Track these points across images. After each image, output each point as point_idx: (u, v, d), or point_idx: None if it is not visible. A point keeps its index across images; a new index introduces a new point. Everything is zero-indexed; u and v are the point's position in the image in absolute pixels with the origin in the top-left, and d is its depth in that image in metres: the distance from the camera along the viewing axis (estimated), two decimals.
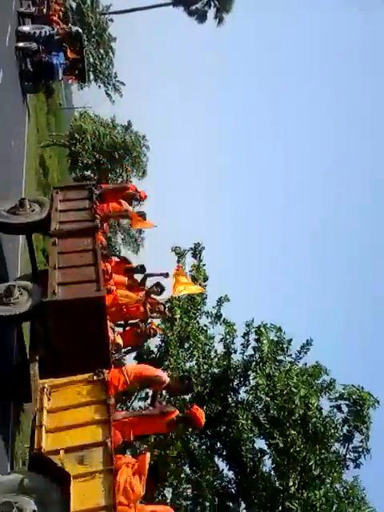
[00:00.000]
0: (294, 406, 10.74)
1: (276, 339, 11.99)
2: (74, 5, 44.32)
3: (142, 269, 11.00)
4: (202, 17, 54.06)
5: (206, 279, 13.53)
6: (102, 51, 45.33)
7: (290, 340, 12.00)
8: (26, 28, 21.29)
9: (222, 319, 12.89)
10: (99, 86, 46.69)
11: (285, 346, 12.12)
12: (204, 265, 13.53)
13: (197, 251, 13.41)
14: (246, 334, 12.13)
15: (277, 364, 11.93)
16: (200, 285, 13.28)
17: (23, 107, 23.17)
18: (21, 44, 20.17)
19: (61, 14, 26.33)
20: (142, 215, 11.41)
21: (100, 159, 28.07)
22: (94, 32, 44.40)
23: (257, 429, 11.21)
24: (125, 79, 47.50)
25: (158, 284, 10.66)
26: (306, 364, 12.06)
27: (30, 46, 20.17)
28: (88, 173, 26.39)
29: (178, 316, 12.88)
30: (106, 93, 46.12)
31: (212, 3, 53.11)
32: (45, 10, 24.31)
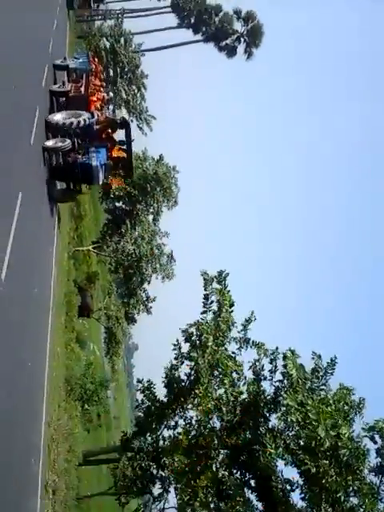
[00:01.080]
0: (322, 437, 10.53)
1: (308, 369, 11.82)
2: (107, 44, 45.99)
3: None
4: (231, 52, 55.44)
5: (231, 305, 13.51)
6: (134, 87, 46.72)
7: (315, 368, 11.83)
8: (57, 117, 16.98)
9: (250, 342, 12.83)
10: (131, 120, 48.03)
11: (321, 373, 11.93)
12: (229, 291, 13.54)
13: (221, 278, 13.43)
14: (272, 360, 12.04)
15: (308, 393, 11.74)
16: (226, 311, 13.33)
17: None
18: (50, 143, 16.21)
19: (102, 91, 21.49)
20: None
21: (131, 191, 28.60)
22: (126, 69, 45.90)
23: (288, 456, 11.01)
24: (156, 112, 48.66)
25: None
26: (325, 389, 11.82)
27: (63, 145, 16.25)
28: None
29: (210, 343, 12.87)
30: (138, 126, 47.32)
31: (242, 39, 54.49)
32: (82, 88, 19.47)
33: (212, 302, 13.77)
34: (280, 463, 11.36)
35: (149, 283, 29.67)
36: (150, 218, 30.30)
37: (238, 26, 54.68)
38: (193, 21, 58.33)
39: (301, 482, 11.14)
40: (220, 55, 56.00)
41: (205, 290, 13.52)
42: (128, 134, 19.44)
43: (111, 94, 43.96)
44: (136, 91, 47.01)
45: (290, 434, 11.50)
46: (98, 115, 18.12)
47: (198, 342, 13.19)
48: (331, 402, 11.15)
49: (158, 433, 13.54)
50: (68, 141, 16.51)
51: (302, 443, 11.04)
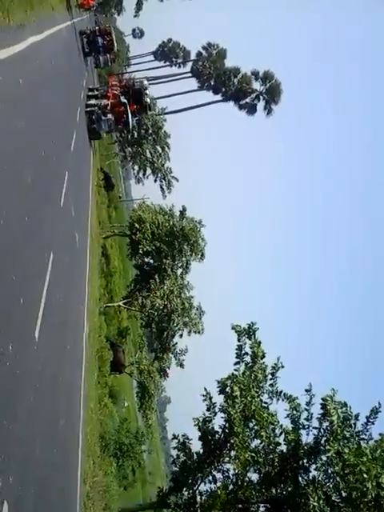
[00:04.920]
0: (366, 487, 10.15)
1: (342, 415, 11.56)
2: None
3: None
4: (251, 109, 57.29)
5: (263, 357, 13.42)
6: (158, 148, 48.47)
7: (357, 415, 11.53)
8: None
9: (282, 394, 12.63)
10: (155, 180, 49.61)
11: (352, 422, 11.64)
12: (260, 343, 13.47)
13: (251, 331, 13.40)
14: (308, 403, 11.79)
15: (345, 441, 11.42)
16: (259, 362, 13.23)
17: (87, 205, 24.87)
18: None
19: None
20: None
21: (160, 246, 29.14)
22: (150, 131, 47.83)
23: (329, 509, 10.58)
24: (180, 169, 50.19)
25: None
26: (366, 437, 11.45)
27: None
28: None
29: (237, 393, 12.75)
30: (161, 187, 48.82)
31: (261, 97, 56.40)
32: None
33: (245, 353, 13.70)
34: None
35: (181, 337, 29.70)
36: (179, 272, 30.67)
37: (257, 85, 56.84)
38: (212, 83, 60.91)
39: None
40: (240, 113, 57.93)
41: (238, 341, 13.52)
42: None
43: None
44: (160, 151, 48.71)
45: (331, 486, 11.11)
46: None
47: (231, 393, 13.06)
48: (368, 451, 10.80)
49: (195, 487, 13.22)
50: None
51: (344, 494, 10.65)
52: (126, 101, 32.90)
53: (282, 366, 12.83)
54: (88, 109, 30.53)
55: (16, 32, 12.23)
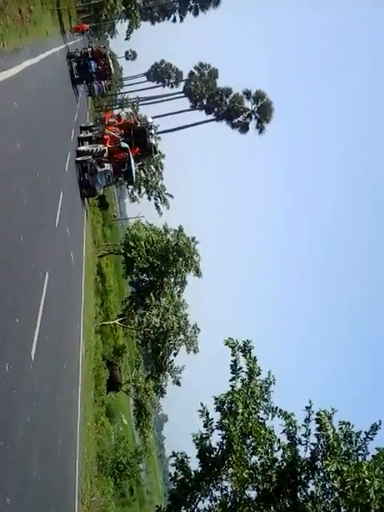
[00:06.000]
0: (368, 501, 10.12)
1: (343, 432, 11.52)
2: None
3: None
4: (244, 128, 58.00)
5: (258, 374, 13.39)
6: (152, 167, 48.90)
7: (359, 432, 11.49)
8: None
9: (278, 411, 12.60)
10: (149, 199, 49.98)
11: (353, 438, 11.59)
12: (256, 358, 13.42)
13: (246, 349, 13.38)
14: (306, 420, 11.77)
15: (345, 458, 11.38)
16: (256, 378, 13.24)
17: (81, 224, 25.04)
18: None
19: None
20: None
21: (154, 262, 29.28)
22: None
23: None
24: (175, 188, 50.68)
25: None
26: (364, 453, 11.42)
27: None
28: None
29: (240, 410, 12.70)
30: (156, 205, 49.18)
31: (253, 116, 57.14)
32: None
33: (240, 368, 13.68)
34: None
35: (175, 355, 29.65)
36: (175, 290, 30.74)
37: (249, 104, 57.66)
38: (205, 103, 61.72)
39: None
40: (233, 132, 58.65)
41: (232, 356, 13.52)
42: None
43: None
44: (154, 170, 49.15)
45: (330, 501, 11.05)
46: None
47: (228, 409, 13.00)
48: (365, 467, 10.76)
49: (193, 506, 13.10)
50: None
51: (343, 511, 10.60)
52: (127, 145, 27.04)
53: (274, 381, 12.82)
54: (80, 158, 24.16)
55: (11, 56, 12.51)
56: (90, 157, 24.37)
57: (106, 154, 25.49)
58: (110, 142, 26.85)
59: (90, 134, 28.09)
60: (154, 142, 30.22)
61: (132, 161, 27.30)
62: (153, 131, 30.59)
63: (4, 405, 7.36)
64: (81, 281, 21.54)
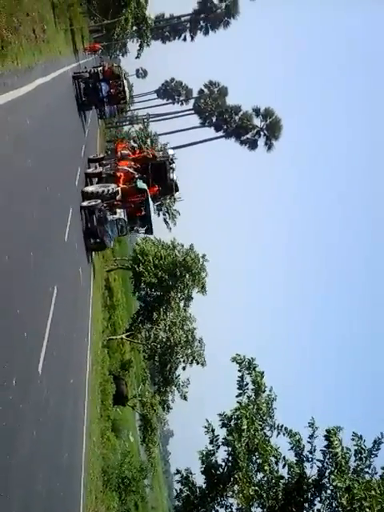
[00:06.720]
0: None
1: (354, 446, 11.41)
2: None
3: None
4: (252, 145, 58.32)
5: (264, 391, 13.35)
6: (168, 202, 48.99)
7: (371, 449, 11.39)
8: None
9: (283, 428, 12.55)
10: (158, 215, 50.20)
11: (364, 455, 11.49)
12: (263, 373, 13.39)
13: (251, 366, 13.35)
14: (311, 436, 11.71)
15: (355, 475, 11.28)
16: (260, 394, 13.21)
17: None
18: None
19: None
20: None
21: (162, 277, 29.38)
22: None
23: None
24: (183, 201, 50.54)
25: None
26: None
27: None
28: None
29: (245, 427, 12.66)
30: (165, 221, 49.36)
31: (261, 133, 57.50)
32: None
33: (246, 384, 13.65)
34: None
35: (184, 369, 29.68)
36: (181, 304, 30.82)
37: (258, 121, 58.03)
38: (214, 120, 62.25)
39: None
40: (242, 148, 58.98)
41: (239, 372, 13.51)
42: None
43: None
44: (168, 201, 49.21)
45: None
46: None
47: (234, 426, 12.96)
48: (376, 485, 10.69)
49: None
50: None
51: None
52: (145, 186, 22.33)
53: (275, 397, 12.81)
54: (86, 203, 19.46)
55: (24, 74, 12.80)
56: (99, 201, 19.77)
57: (118, 196, 20.86)
58: (124, 180, 22.15)
59: (99, 170, 23.36)
60: (175, 177, 25.81)
61: (151, 204, 22.93)
62: (174, 165, 25.61)
63: (10, 418, 7.41)
64: (89, 295, 21.63)
